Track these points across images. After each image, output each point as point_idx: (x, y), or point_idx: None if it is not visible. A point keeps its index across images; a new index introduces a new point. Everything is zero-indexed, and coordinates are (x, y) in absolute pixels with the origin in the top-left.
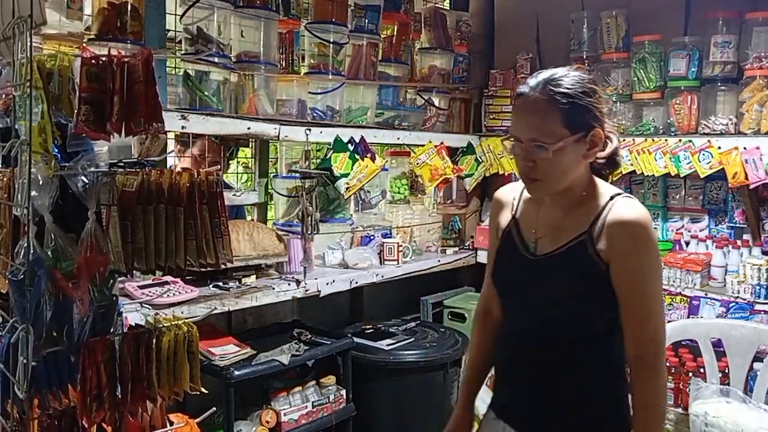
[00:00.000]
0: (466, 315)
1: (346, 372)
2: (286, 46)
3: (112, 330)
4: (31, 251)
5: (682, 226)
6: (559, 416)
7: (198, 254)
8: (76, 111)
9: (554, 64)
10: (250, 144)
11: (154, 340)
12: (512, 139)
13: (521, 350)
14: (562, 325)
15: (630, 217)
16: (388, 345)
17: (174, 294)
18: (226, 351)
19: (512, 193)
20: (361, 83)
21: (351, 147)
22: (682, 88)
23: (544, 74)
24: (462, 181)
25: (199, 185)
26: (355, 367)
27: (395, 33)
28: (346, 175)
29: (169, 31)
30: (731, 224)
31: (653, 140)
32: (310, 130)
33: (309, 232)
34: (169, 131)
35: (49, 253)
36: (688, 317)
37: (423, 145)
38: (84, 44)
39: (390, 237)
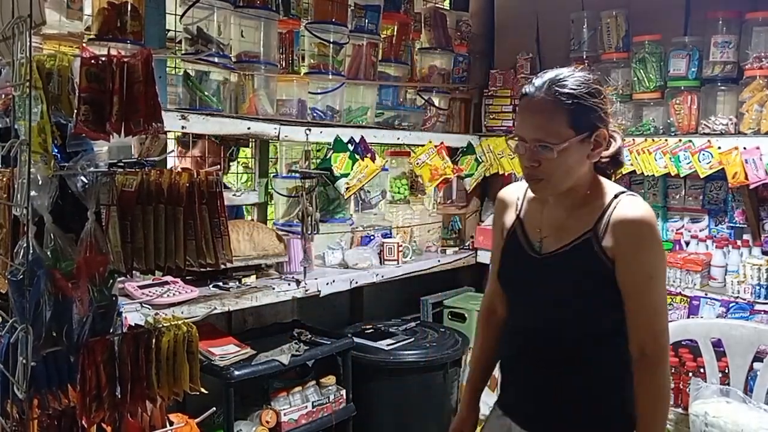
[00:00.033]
0: (466, 315)
1: (346, 372)
2: (286, 46)
3: (111, 330)
4: (31, 251)
5: (682, 226)
6: (564, 415)
7: (198, 254)
8: (75, 111)
9: (554, 64)
10: (250, 144)
11: (154, 340)
12: (516, 138)
13: (526, 349)
14: (567, 324)
15: (635, 215)
16: (388, 345)
17: (174, 294)
18: (226, 351)
19: (516, 193)
20: (361, 83)
21: (351, 147)
22: (682, 88)
23: (549, 74)
24: (462, 181)
25: (198, 185)
26: (355, 367)
27: (395, 33)
28: (346, 175)
29: (169, 31)
30: (731, 224)
31: (653, 140)
32: (310, 130)
33: (309, 232)
34: (169, 131)
35: (49, 253)
36: (688, 317)
37: (423, 145)
38: (84, 44)
39: (390, 237)
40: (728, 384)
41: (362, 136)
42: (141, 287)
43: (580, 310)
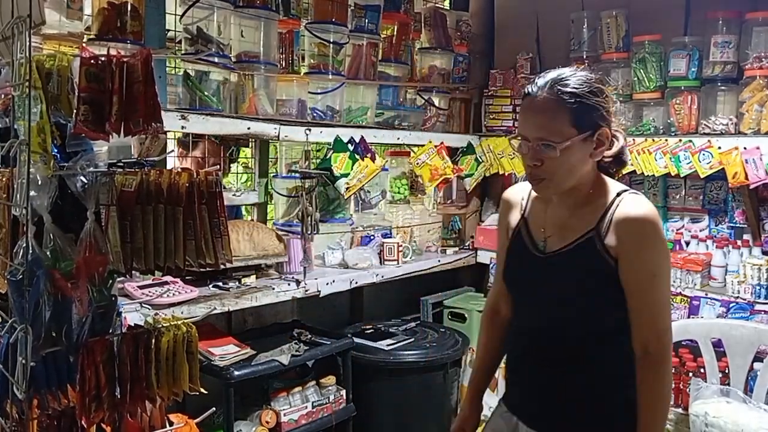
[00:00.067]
0: (466, 315)
1: (346, 372)
2: (286, 46)
3: (111, 330)
4: (30, 251)
5: (683, 226)
6: (568, 414)
7: (197, 254)
8: (75, 111)
9: (554, 64)
10: (250, 144)
11: (154, 341)
12: (519, 138)
13: (530, 349)
14: (570, 323)
15: (638, 213)
16: (388, 345)
17: (174, 294)
18: (226, 351)
19: (521, 193)
20: (361, 83)
21: (351, 147)
22: (682, 88)
23: (552, 74)
24: (462, 181)
25: (198, 185)
26: (355, 367)
27: (395, 33)
28: (346, 175)
29: (169, 31)
30: (731, 224)
31: (653, 140)
32: (310, 130)
33: (309, 232)
34: (169, 131)
35: (48, 253)
36: (688, 317)
37: (423, 145)
38: (84, 44)
39: (390, 237)
40: (728, 384)
41: (362, 136)
42: (141, 287)
43: (583, 308)
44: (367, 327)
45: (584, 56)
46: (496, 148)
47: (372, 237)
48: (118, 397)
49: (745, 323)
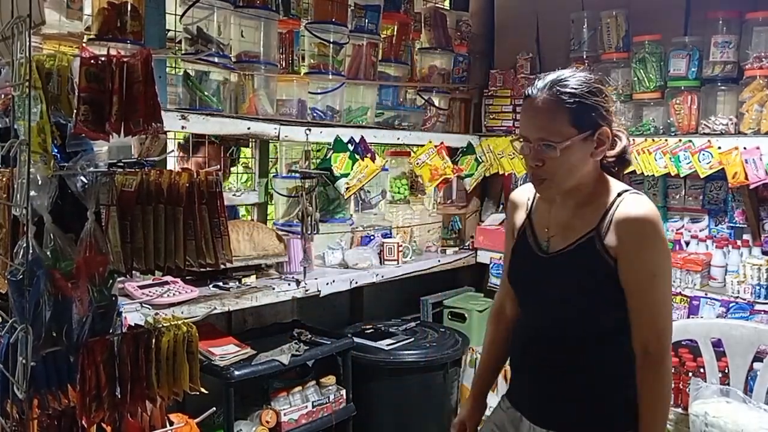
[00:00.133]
0: (466, 315)
1: (346, 372)
2: (286, 46)
3: (111, 330)
4: (30, 251)
5: (682, 226)
6: (568, 413)
7: (197, 254)
8: (75, 111)
9: (554, 64)
10: (250, 144)
11: (154, 340)
12: (521, 139)
13: (532, 347)
14: (571, 323)
15: (638, 213)
16: (388, 345)
17: (174, 294)
18: (226, 351)
19: (527, 194)
20: (361, 83)
21: (351, 147)
22: (682, 88)
23: (551, 76)
24: (462, 181)
25: (198, 185)
26: (355, 367)
27: (395, 33)
28: (346, 175)
29: (169, 31)
30: (731, 224)
31: (653, 140)
32: (310, 130)
33: (309, 232)
34: (169, 131)
35: (48, 253)
36: (688, 317)
37: (423, 145)
38: (83, 44)
39: (390, 237)
40: (728, 384)
41: (362, 136)
42: (141, 287)
43: (584, 308)
44: (367, 327)
45: (584, 56)
46: (496, 148)
47: (372, 237)
48: (119, 396)
49: (744, 323)
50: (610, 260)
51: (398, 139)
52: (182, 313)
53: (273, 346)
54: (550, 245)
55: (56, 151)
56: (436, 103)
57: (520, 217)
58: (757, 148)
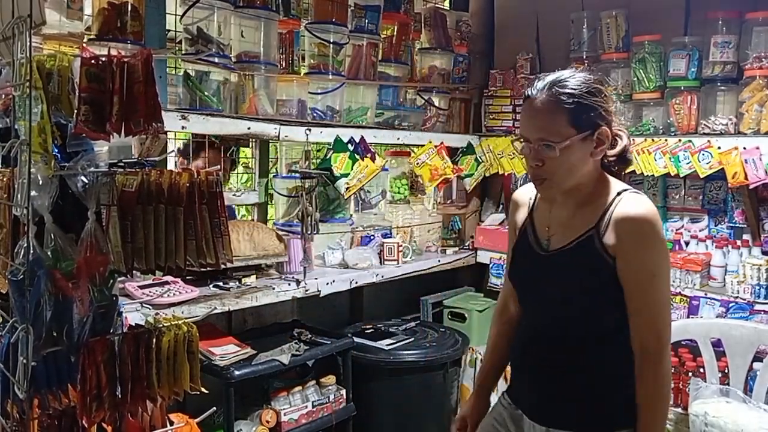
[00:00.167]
0: (465, 315)
1: (346, 372)
2: (286, 46)
3: (112, 330)
4: (31, 251)
5: (682, 226)
6: (568, 413)
7: (198, 254)
8: (75, 111)
9: (554, 64)
10: (250, 144)
11: (154, 340)
12: (522, 140)
13: (532, 347)
14: (570, 322)
15: (636, 213)
16: (388, 345)
17: (174, 294)
18: (226, 351)
19: (529, 194)
20: (361, 83)
21: (351, 147)
22: (682, 88)
23: (551, 76)
24: (462, 181)
25: (198, 185)
26: (355, 367)
27: (395, 33)
28: (346, 175)
29: (169, 31)
30: (731, 224)
31: (653, 140)
32: (310, 130)
33: (309, 232)
34: (170, 131)
35: (49, 253)
36: (688, 317)
37: (423, 145)
38: (84, 44)
39: (390, 237)
40: (728, 384)
41: (362, 136)
42: (141, 287)
43: (583, 307)
44: (367, 327)
45: (584, 56)
46: (495, 148)
47: (372, 237)
48: (119, 396)
49: (744, 323)
50: (609, 259)
51: (398, 139)
52: (182, 313)
53: (273, 346)
54: (550, 243)
55: (57, 151)
56: (436, 103)
57: (521, 216)
58: (757, 148)
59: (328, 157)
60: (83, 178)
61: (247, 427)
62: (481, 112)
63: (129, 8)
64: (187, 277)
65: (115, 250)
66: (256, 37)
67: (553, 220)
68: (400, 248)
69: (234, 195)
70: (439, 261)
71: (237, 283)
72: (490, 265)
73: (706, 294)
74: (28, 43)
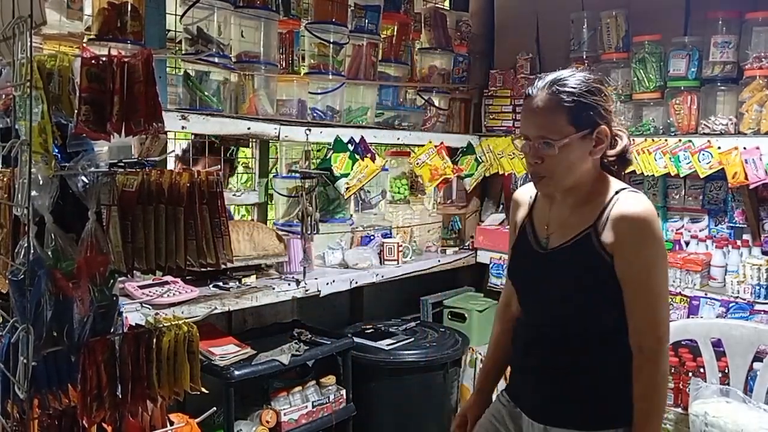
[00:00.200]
0: (466, 315)
1: (346, 372)
2: (286, 46)
3: (112, 330)
4: (32, 251)
5: (682, 226)
6: (570, 414)
7: (198, 254)
8: (76, 111)
9: (554, 64)
10: (250, 144)
11: (155, 340)
12: (522, 138)
13: (534, 348)
14: (570, 320)
15: (634, 211)
16: (388, 345)
17: (174, 294)
18: (226, 351)
19: (529, 192)
20: (361, 83)
21: (351, 147)
22: (682, 88)
23: (551, 76)
24: (462, 181)
25: (199, 185)
26: (355, 367)
27: (395, 33)
28: (346, 175)
29: (169, 31)
30: (731, 224)
31: (653, 140)
32: (310, 130)
33: (309, 232)
34: (170, 131)
35: (50, 253)
36: (688, 317)
37: (423, 145)
38: (84, 44)
39: (390, 237)
40: (728, 384)
41: (362, 136)
42: (141, 287)
43: (582, 305)
44: (367, 327)
45: (584, 56)
46: (495, 148)
47: (372, 237)
48: (120, 396)
49: (744, 323)
50: (607, 257)
51: (398, 139)
52: (182, 313)
53: (273, 346)
54: (549, 242)
55: (57, 151)
56: (436, 103)
57: (521, 214)
58: (757, 148)
59: (328, 157)
60: (84, 178)
61: (247, 427)
62: (481, 112)
63: (129, 8)
64: (187, 277)
65: (115, 250)
66: (256, 37)
67: (552, 218)
68: (400, 248)
69: (234, 195)
70: (439, 261)
71: (237, 283)
72: (490, 265)
73: (706, 294)
74: (28, 43)
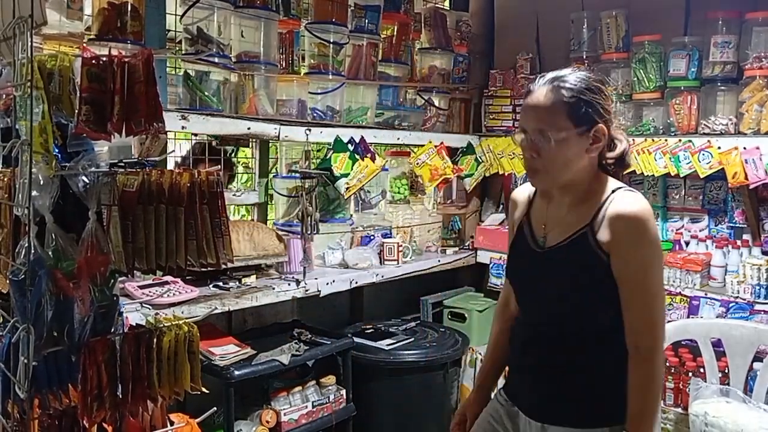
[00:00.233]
0: (465, 315)
1: (346, 372)
2: (286, 46)
3: (112, 330)
4: (32, 251)
5: (682, 226)
6: (568, 412)
7: (198, 254)
8: (76, 111)
9: (554, 64)
10: (250, 144)
11: (155, 340)
12: (521, 132)
13: (532, 347)
14: (567, 319)
15: (630, 210)
16: (388, 345)
17: (174, 294)
18: (226, 351)
19: (527, 192)
20: (361, 83)
21: (351, 147)
22: (682, 88)
23: (553, 73)
24: (462, 181)
25: (199, 185)
26: (355, 367)
27: (395, 33)
28: (346, 175)
29: (169, 31)
30: (731, 224)
31: (653, 140)
32: (310, 130)
33: (309, 232)
34: (170, 131)
35: (50, 253)
36: (688, 317)
37: (423, 145)
38: (84, 44)
39: (390, 237)
40: (728, 384)
41: (362, 136)
42: (141, 287)
43: (578, 304)
44: (367, 327)
45: (584, 56)
46: (495, 148)
47: (372, 237)
48: (120, 396)
49: (744, 323)
50: (603, 255)
51: (398, 139)
52: (182, 313)
53: (273, 346)
54: (546, 241)
55: (58, 151)
56: (436, 103)
57: (519, 213)
58: (757, 148)
59: (328, 157)
60: (84, 178)
61: (247, 427)
62: (481, 112)
63: (129, 8)
64: (187, 277)
65: (115, 250)
66: (256, 37)
67: (549, 217)
68: (400, 248)
69: (234, 195)
70: (439, 261)
71: (237, 283)
72: (490, 265)
73: (706, 294)
74: (29, 44)
